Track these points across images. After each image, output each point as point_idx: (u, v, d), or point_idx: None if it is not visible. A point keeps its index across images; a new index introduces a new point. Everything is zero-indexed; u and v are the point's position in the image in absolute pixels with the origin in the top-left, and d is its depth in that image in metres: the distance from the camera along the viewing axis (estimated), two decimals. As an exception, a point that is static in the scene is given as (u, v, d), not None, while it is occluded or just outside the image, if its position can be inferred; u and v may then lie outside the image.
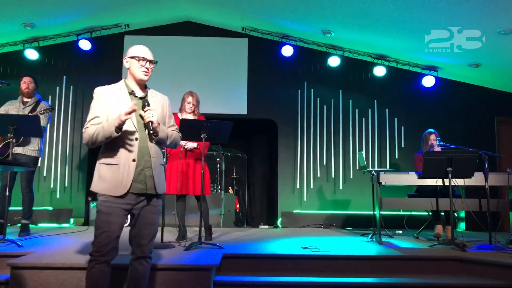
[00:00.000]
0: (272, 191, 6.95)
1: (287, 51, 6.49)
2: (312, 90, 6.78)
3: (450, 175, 4.07)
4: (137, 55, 2.39)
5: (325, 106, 6.77)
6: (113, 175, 2.28)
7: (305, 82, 6.78)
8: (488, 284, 3.20)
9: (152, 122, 2.29)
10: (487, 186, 4.18)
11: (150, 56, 2.42)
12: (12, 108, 4.48)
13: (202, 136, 3.69)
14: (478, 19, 4.92)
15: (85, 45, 6.26)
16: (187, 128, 3.78)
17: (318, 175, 6.63)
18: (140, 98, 2.41)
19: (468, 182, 4.29)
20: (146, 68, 2.39)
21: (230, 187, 6.79)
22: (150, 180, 2.34)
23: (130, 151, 2.31)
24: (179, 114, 4.31)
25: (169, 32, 6.77)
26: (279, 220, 6.46)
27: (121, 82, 2.45)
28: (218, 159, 6.56)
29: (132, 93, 2.42)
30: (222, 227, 5.90)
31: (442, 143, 4.67)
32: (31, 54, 6.28)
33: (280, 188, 6.60)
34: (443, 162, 4.08)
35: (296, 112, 6.73)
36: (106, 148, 2.33)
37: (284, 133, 6.70)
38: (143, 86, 2.47)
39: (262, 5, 5.79)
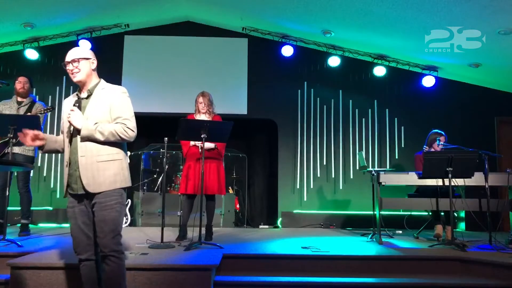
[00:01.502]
0: (272, 191, 6.95)
1: (287, 51, 6.49)
2: (312, 90, 6.78)
3: (450, 175, 4.07)
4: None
5: (325, 106, 6.77)
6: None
7: (305, 82, 6.78)
8: (488, 284, 3.20)
9: (70, 122, 2.37)
10: (487, 186, 4.18)
11: (69, 58, 2.45)
12: (6, 108, 4.46)
13: (202, 136, 3.70)
14: (478, 19, 4.92)
15: (85, 45, 6.26)
16: (187, 129, 3.79)
17: (318, 175, 6.63)
18: (82, 98, 2.47)
19: (468, 182, 4.29)
20: (70, 70, 2.44)
21: (230, 187, 6.79)
22: (78, 180, 2.36)
23: (66, 154, 2.44)
24: (195, 116, 4.34)
25: (169, 32, 6.77)
26: (279, 220, 6.46)
27: None
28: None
29: (77, 95, 2.50)
30: (222, 227, 5.89)
31: (442, 143, 4.67)
32: (31, 54, 6.28)
33: (280, 188, 6.60)
34: (443, 162, 4.08)
35: (296, 112, 6.73)
36: None
37: (284, 133, 6.70)
38: (85, 86, 2.48)
39: (262, 5, 5.79)
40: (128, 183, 2.48)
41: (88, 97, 2.45)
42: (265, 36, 6.64)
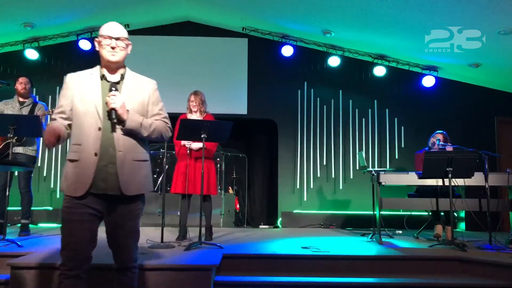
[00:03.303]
0: (272, 191, 6.95)
1: (287, 51, 6.49)
2: (312, 90, 6.78)
3: (450, 175, 4.07)
4: (102, 34, 2.09)
5: (325, 106, 6.77)
6: (74, 172, 2.00)
7: (305, 82, 6.78)
8: (488, 284, 3.20)
9: (115, 110, 2.00)
10: (487, 186, 4.18)
11: (116, 33, 2.08)
12: (8, 107, 4.47)
13: (202, 136, 3.69)
14: (478, 19, 4.92)
15: (85, 45, 6.26)
16: (187, 128, 3.79)
17: (318, 175, 6.63)
18: (114, 83, 2.10)
19: (468, 182, 4.29)
20: (112, 47, 2.07)
21: (230, 187, 6.79)
22: (113, 178, 2.00)
23: (92, 144, 2.00)
24: (188, 115, 4.35)
25: (169, 32, 6.77)
26: (279, 220, 6.46)
27: (97, 66, 2.18)
28: (218, 159, 6.55)
29: (103, 77, 2.12)
30: (222, 227, 5.89)
31: (442, 143, 4.67)
32: (31, 54, 6.28)
33: (280, 188, 6.60)
34: (443, 162, 4.07)
35: (296, 112, 6.73)
36: (71, 141, 2.07)
37: (284, 133, 6.70)
38: (117, 68, 2.15)
39: (262, 5, 5.79)
40: (152, 187, 2.21)
41: (118, 82, 2.11)
42: (265, 36, 6.64)
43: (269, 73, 6.76)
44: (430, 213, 4.98)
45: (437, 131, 4.94)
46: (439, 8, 4.79)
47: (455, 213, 5.50)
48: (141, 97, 2.15)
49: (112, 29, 2.10)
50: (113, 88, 2.04)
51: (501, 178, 4.44)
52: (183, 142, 4.19)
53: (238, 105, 6.63)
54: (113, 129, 2.03)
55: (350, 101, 6.78)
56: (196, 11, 6.48)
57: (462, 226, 6.06)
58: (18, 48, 6.43)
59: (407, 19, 5.19)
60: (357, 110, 6.77)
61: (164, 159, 4.21)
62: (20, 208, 4.57)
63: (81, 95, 2.06)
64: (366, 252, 3.75)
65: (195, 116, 4.31)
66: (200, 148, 4.19)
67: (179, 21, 6.79)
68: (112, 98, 2.01)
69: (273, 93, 6.73)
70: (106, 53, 2.08)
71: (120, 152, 2.02)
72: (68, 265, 1.95)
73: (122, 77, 2.14)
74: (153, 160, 6.69)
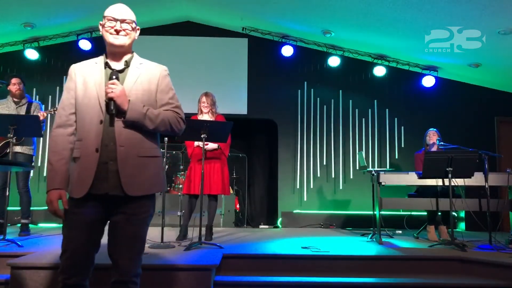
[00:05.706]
0: (272, 191, 6.95)
1: (287, 51, 6.49)
2: (312, 90, 6.78)
3: (450, 175, 4.07)
4: (105, 15, 1.90)
5: (325, 106, 6.77)
6: (75, 172, 1.81)
7: (305, 82, 6.78)
8: (488, 284, 3.20)
9: (113, 99, 1.79)
10: (487, 186, 4.19)
11: (121, 15, 1.89)
12: (3, 107, 4.45)
13: (202, 136, 3.71)
14: (478, 19, 4.92)
15: (85, 45, 6.26)
16: (187, 128, 3.78)
17: (318, 175, 6.63)
18: (117, 71, 1.90)
19: (468, 182, 4.29)
20: (116, 30, 1.88)
21: (230, 187, 6.78)
22: (114, 176, 1.78)
23: (94, 139, 1.81)
24: (198, 116, 4.38)
25: (169, 32, 6.77)
26: (279, 220, 6.46)
27: (103, 55, 1.99)
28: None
29: (107, 65, 1.92)
30: (222, 227, 5.89)
31: (442, 143, 4.67)
32: (31, 54, 6.28)
33: (280, 188, 6.60)
34: (443, 162, 4.08)
35: (296, 112, 6.73)
36: (76, 136, 1.89)
37: (284, 133, 6.70)
38: (123, 55, 1.95)
39: (262, 5, 5.79)
40: (165, 187, 1.97)
41: (122, 70, 1.92)
42: (265, 36, 6.64)
43: (269, 73, 6.76)
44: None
45: (430, 129, 4.96)
46: (439, 8, 4.80)
47: (454, 213, 5.50)
48: (148, 85, 1.93)
49: (117, 10, 1.90)
50: (114, 76, 1.83)
51: (501, 178, 4.44)
52: (196, 143, 4.21)
53: (238, 105, 6.63)
54: (112, 122, 1.82)
55: (350, 101, 6.78)
56: (196, 11, 6.48)
57: (462, 226, 6.06)
58: (18, 48, 6.43)
59: (407, 19, 5.20)
60: (357, 110, 6.77)
61: (164, 159, 4.21)
62: (19, 208, 4.57)
63: (84, 86, 1.88)
64: (366, 252, 3.75)
65: (206, 117, 4.33)
66: (215, 149, 4.24)
67: (179, 21, 6.79)
68: (111, 86, 1.80)
69: (273, 93, 6.73)
70: (109, 36, 1.89)
71: (121, 147, 1.80)
72: (66, 272, 1.78)
73: (127, 64, 1.94)
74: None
